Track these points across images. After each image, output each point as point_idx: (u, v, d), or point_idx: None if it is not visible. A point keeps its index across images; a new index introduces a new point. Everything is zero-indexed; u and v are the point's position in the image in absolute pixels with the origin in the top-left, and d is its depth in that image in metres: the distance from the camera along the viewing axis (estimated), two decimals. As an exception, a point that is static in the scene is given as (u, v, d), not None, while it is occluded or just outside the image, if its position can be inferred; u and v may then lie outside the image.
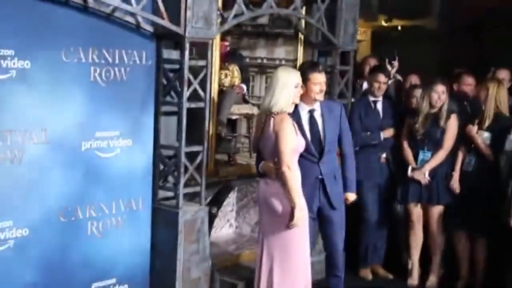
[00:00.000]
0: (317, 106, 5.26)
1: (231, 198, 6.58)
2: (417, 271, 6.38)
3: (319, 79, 5.17)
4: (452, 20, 12.22)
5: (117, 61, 4.85)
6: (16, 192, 4.42)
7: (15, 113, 4.35)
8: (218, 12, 5.23)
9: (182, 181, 5.12)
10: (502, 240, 5.93)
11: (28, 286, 4.55)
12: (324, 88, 5.27)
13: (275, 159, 4.73)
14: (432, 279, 6.31)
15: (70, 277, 4.78)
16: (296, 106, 4.96)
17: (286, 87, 4.76)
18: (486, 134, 5.91)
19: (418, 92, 6.35)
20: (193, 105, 5.11)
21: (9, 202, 4.39)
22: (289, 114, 4.81)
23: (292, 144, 4.72)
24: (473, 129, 5.94)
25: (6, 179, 4.35)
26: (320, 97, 5.24)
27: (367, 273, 6.50)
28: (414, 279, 6.38)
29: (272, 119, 4.75)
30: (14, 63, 4.29)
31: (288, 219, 4.71)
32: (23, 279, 4.52)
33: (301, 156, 4.90)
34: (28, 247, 4.50)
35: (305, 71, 5.19)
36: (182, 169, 5.11)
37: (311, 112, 5.24)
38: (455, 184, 6.08)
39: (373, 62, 7.52)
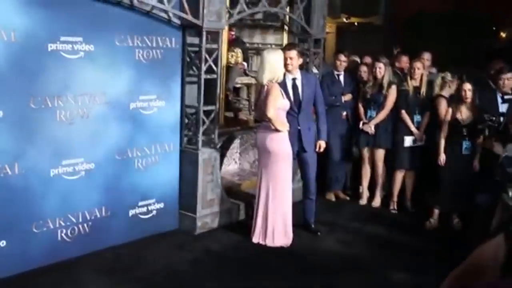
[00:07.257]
0: (298, 76, 5.18)
1: (236, 143, 6.56)
2: (366, 195, 6.45)
3: (288, 54, 5.07)
4: (392, 18, 12.21)
5: (154, 45, 4.83)
6: (86, 138, 4.47)
7: (83, 82, 4.38)
8: (226, 10, 5.21)
9: (201, 131, 5.13)
10: (424, 174, 6.08)
11: (94, 204, 4.63)
12: (292, 61, 5.10)
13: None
14: (376, 200, 6.38)
15: (123, 197, 4.85)
16: (283, 75, 4.94)
17: (274, 64, 4.78)
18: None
19: (366, 68, 6.32)
20: (208, 77, 5.09)
21: (81, 145, 4.45)
22: (278, 83, 4.84)
23: (277, 103, 4.75)
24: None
25: (78, 130, 4.40)
26: (290, 67, 5.10)
27: (331, 196, 6.56)
28: (364, 200, 6.44)
29: (266, 87, 4.81)
30: (82, 47, 4.31)
31: (278, 157, 4.82)
32: (91, 198, 4.60)
33: (287, 112, 4.94)
34: (94, 176, 4.57)
35: (283, 50, 5.18)
36: (201, 122, 5.11)
37: (293, 80, 5.18)
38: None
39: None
